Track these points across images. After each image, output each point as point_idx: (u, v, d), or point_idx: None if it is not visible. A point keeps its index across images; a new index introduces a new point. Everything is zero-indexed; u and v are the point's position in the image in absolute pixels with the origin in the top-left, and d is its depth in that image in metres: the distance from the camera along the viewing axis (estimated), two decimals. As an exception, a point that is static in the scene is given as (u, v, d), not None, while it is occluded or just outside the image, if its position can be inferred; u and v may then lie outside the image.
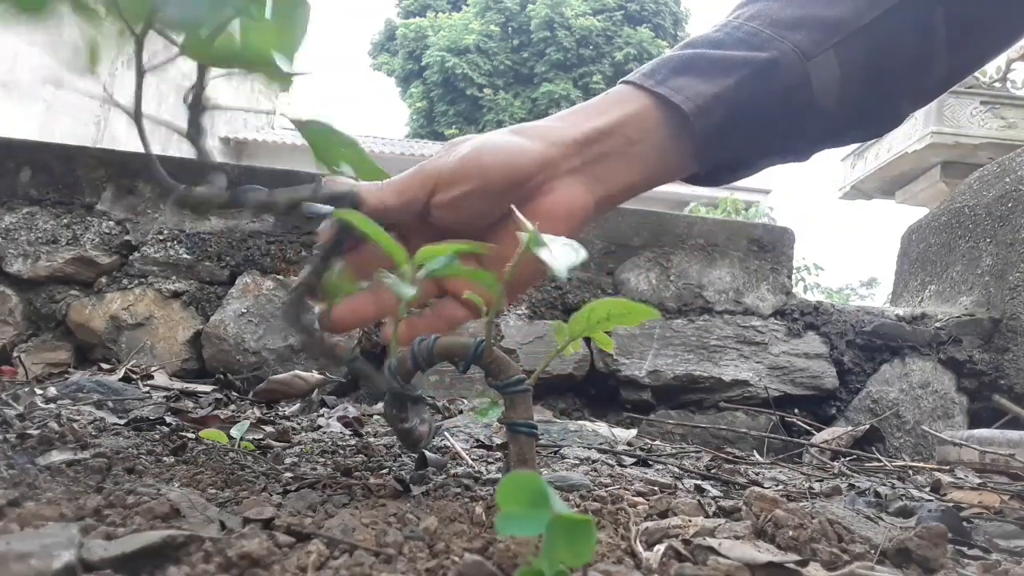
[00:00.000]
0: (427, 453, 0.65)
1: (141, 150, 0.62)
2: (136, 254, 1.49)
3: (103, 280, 1.47)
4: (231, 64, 0.52)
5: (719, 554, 0.41)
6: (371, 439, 0.86)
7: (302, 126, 0.62)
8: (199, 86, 0.58)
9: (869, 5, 0.60)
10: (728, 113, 0.59)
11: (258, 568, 0.34)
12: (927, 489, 0.83)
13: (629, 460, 0.85)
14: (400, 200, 0.56)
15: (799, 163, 0.68)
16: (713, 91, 0.59)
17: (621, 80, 0.63)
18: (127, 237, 1.49)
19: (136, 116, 0.54)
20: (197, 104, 0.59)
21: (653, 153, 0.61)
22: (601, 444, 0.95)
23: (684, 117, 0.58)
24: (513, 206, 0.55)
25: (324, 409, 1.11)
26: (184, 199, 0.57)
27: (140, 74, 0.51)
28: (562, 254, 0.43)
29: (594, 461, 0.80)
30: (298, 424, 0.96)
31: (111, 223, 1.49)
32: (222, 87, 11.34)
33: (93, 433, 0.68)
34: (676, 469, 0.80)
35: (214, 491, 0.49)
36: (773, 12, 0.61)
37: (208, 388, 1.19)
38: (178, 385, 1.18)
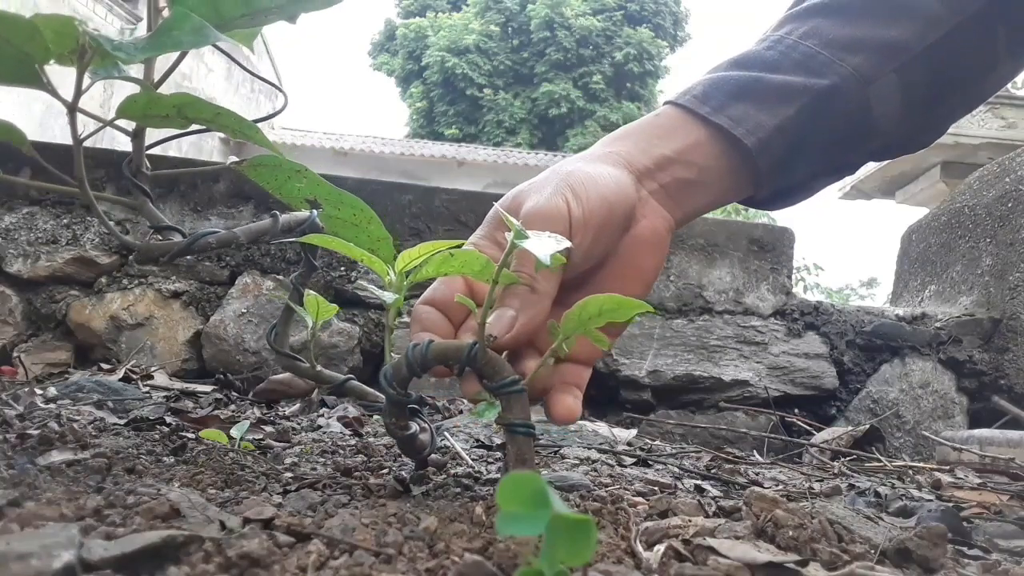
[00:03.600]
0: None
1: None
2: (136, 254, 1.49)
3: (103, 280, 1.47)
4: (166, 125, 0.51)
5: (719, 554, 0.41)
6: (371, 439, 0.86)
7: (243, 167, 0.61)
8: (137, 155, 0.58)
9: (929, 25, 0.58)
10: (789, 145, 0.58)
11: (258, 568, 0.34)
12: (927, 489, 0.83)
13: (629, 460, 0.85)
14: (558, 282, 0.53)
15: (848, 176, 0.67)
16: (774, 122, 0.57)
17: (668, 101, 0.62)
18: (127, 237, 1.49)
19: (80, 183, 0.53)
20: (136, 173, 0.58)
21: (721, 179, 0.60)
22: (601, 444, 0.95)
23: (747, 150, 0.58)
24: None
25: (324, 409, 1.11)
26: (146, 255, 0.57)
27: (77, 142, 0.51)
28: (544, 244, 0.44)
29: (594, 461, 0.80)
30: (298, 424, 0.96)
31: (111, 223, 1.49)
32: (220, 86, 11.34)
33: (93, 433, 0.68)
34: (676, 469, 0.80)
35: (214, 491, 0.49)
36: (828, 31, 0.59)
37: (208, 388, 1.19)
38: (178, 385, 1.18)
